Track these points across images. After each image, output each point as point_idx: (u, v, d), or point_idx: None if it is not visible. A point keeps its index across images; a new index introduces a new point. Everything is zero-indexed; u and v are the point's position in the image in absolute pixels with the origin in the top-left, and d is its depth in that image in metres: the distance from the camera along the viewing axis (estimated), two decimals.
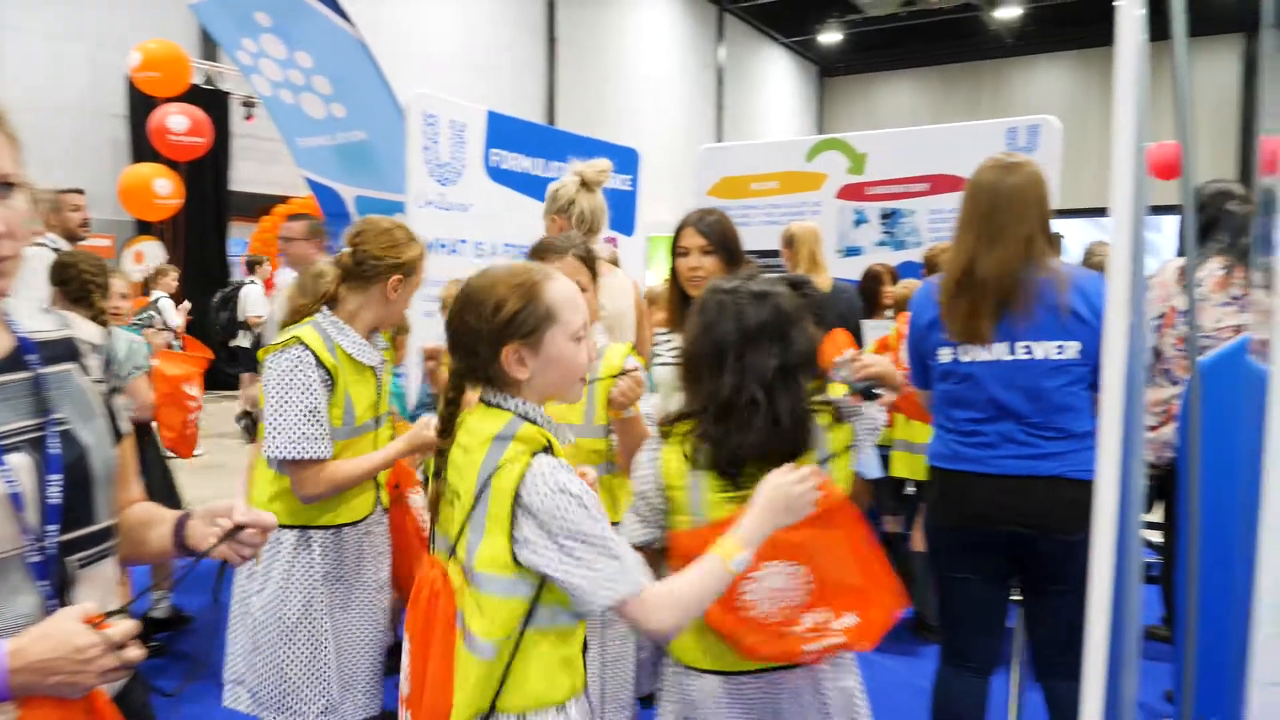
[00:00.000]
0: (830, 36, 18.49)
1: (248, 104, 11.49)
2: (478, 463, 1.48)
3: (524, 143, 5.00)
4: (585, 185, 3.02)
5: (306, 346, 2.20)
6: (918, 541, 4.00)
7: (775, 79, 19.30)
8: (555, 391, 1.58)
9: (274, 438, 2.18)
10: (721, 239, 2.63)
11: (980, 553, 2.45)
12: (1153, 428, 3.52)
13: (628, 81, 14.40)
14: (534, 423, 1.53)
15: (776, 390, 1.78)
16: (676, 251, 2.68)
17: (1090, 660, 1.01)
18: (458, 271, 3.65)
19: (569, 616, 1.51)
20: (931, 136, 5.82)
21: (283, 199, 11.43)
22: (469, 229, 4.63)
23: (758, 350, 1.79)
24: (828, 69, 20.60)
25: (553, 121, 12.39)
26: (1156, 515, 3.93)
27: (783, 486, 1.58)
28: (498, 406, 1.54)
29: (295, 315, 2.32)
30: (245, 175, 12.33)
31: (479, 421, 1.54)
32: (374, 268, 2.30)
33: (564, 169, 4.87)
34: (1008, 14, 16.72)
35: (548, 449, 1.48)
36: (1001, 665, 2.57)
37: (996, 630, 2.52)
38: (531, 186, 4.96)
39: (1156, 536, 4.14)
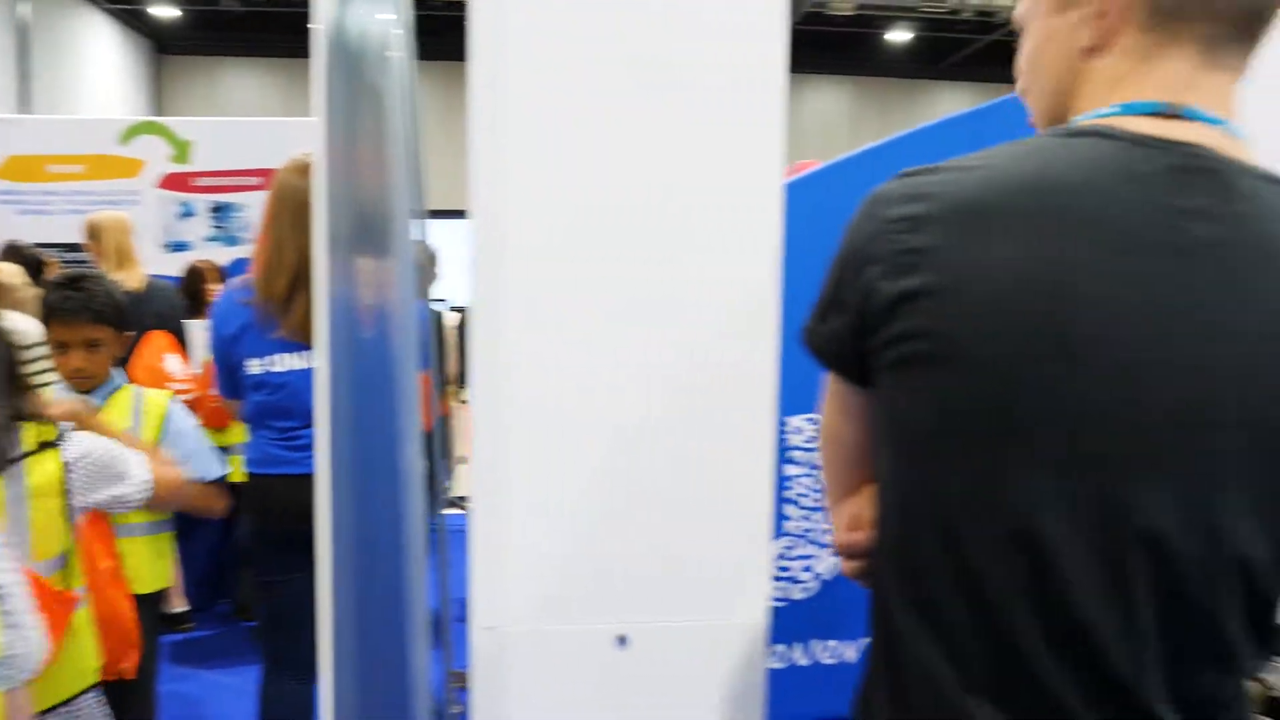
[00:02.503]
0: (164, 11, 17.01)
1: None
2: None
3: None
4: None
5: None
6: None
7: (99, 50, 17.09)
8: None
9: None
10: None
11: (293, 554, 2.45)
12: None
13: None
14: None
15: None
16: None
17: (322, 646, 1.07)
18: None
19: None
20: (261, 129, 5.67)
21: None
22: None
23: None
24: (165, 46, 18.94)
25: None
26: None
27: None
28: None
29: None
30: None
31: None
32: None
33: None
34: None
35: None
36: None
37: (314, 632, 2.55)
38: None
39: None
